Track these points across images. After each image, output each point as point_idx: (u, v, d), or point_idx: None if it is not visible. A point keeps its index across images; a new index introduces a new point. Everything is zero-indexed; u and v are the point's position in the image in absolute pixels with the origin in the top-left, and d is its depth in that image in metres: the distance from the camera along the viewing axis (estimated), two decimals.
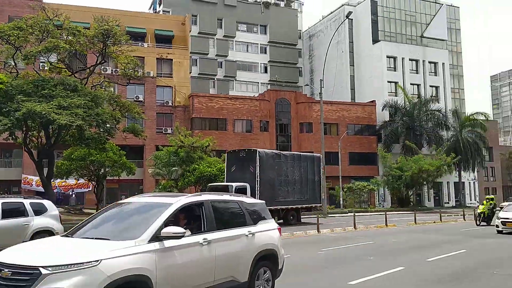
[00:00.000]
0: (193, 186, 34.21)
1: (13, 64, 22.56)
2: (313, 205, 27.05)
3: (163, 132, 41.84)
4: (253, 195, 21.05)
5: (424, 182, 46.21)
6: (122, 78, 26.09)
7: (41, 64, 27.81)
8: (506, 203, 34.76)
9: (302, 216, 26.57)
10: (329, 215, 33.02)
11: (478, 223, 23.80)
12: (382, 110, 50.93)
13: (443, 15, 59.72)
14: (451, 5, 62.70)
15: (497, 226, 18.98)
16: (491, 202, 24.19)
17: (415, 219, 25.83)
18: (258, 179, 23.04)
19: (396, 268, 10.57)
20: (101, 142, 23.27)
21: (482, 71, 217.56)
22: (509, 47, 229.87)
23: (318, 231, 20.29)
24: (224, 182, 25.47)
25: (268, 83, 60.95)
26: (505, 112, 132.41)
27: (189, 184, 32.94)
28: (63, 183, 37.93)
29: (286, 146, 48.12)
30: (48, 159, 22.94)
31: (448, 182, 54.50)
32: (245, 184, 22.70)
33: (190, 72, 54.74)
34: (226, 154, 26.78)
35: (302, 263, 11.54)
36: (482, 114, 52.77)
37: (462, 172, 52.35)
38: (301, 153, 28.84)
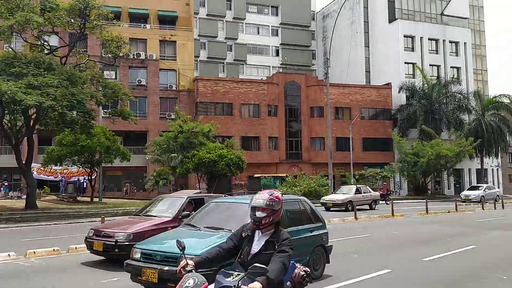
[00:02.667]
0: (193, 173, 32.76)
1: None
2: None
3: (167, 117, 40.16)
4: None
5: (443, 169, 43.60)
6: (111, 58, 24.35)
7: (16, 42, 26.18)
8: None
9: None
10: None
11: None
12: (399, 92, 48.15)
13: None
14: None
15: None
16: None
17: (426, 209, 23.56)
18: None
19: (381, 271, 8.62)
20: (87, 126, 21.73)
21: (507, 51, 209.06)
22: None
23: None
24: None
25: (280, 67, 58.62)
26: None
27: (188, 171, 31.43)
28: (64, 170, 36.95)
29: (296, 132, 46.04)
30: (28, 144, 21.54)
31: (470, 169, 51.58)
32: None
33: (198, 57, 53.05)
34: None
35: None
36: (506, 96, 49.34)
37: (484, 158, 49.32)
38: None
